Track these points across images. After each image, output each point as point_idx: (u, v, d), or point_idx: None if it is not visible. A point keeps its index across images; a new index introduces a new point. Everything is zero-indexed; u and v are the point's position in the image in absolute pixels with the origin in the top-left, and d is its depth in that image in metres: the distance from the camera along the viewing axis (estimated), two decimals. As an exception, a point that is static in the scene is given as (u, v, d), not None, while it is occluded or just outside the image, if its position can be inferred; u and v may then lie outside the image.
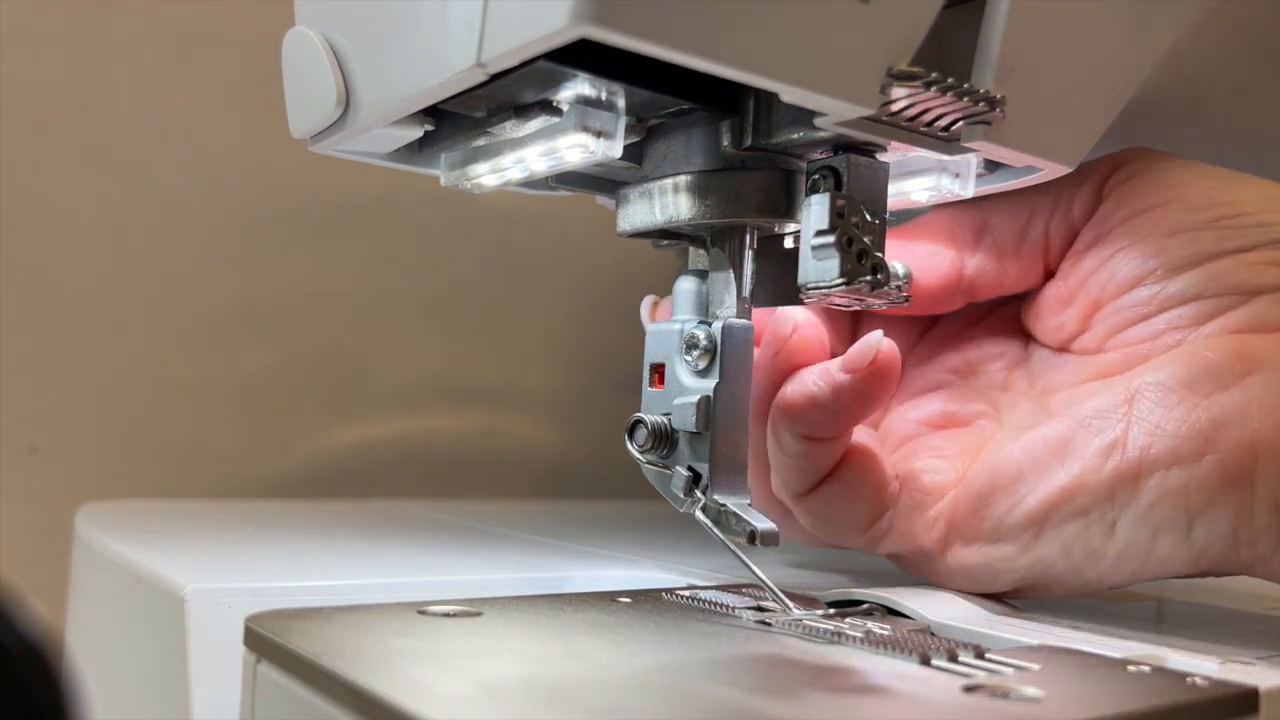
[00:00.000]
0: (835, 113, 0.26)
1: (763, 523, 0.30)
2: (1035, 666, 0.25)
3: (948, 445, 0.34)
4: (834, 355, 0.33)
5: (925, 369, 0.38)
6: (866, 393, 0.31)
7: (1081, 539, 0.30)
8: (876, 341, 0.31)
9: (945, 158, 0.30)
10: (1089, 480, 0.30)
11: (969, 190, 0.32)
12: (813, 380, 0.32)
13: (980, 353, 0.37)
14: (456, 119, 0.30)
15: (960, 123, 0.28)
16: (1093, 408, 0.31)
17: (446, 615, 0.27)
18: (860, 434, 0.34)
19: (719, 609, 0.30)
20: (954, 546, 0.33)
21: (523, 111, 0.28)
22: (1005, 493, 0.31)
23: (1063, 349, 0.35)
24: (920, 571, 0.34)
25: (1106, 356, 0.33)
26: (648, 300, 0.36)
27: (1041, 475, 0.31)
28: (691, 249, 0.34)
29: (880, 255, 0.29)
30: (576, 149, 0.29)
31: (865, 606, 0.31)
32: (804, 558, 0.40)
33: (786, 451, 0.33)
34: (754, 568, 0.30)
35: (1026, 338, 0.37)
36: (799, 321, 0.33)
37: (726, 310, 0.31)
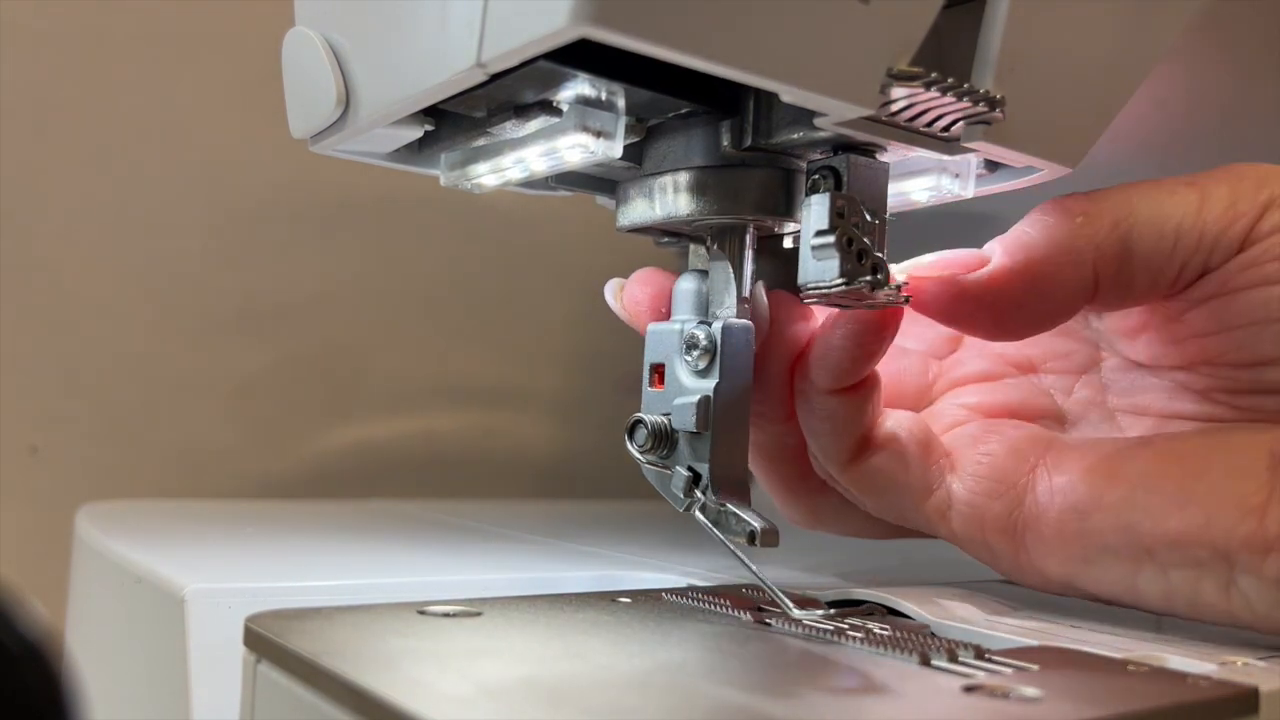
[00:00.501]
0: (835, 113, 0.26)
1: (762, 523, 0.30)
2: (1035, 666, 0.24)
3: (1016, 432, 0.32)
4: None
5: (979, 358, 0.35)
6: (871, 318, 0.30)
7: (1189, 589, 0.29)
8: None
9: (945, 158, 0.30)
10: (1215, 535, 0.28)
11: (969, 191, 0.32)
12: (820, 333, 0.31)
13: (1041, 350, 0.34)
14: (456, 119, 0.30)
15: (960, 123, 0.28)
16: (1227, 462, 0.29)
17: (446, 615, 0.27)
18: (900, 415, 0.32)
19: (719, 609, 0.30)
20: (1031, 552, 0.31)
21: (523, 111, 0.28)
22: (1106, 514, 0.29)
23: (1154, 367, 0.32)
24: (985, 562, 0.32)
25: (1217, 409, 0.31)
26: (612, 284, 0.35)
27: (1154, 509, 0.29)
28: (692, 248, 0.34)
29: (881, 255, 0.29)
30: (576, 149, 0.29)
31: (865, 606, 0.31)
32: (804, 558, 0.40)
33: (817, 414, 0.31)
34: (754, 568, 0.30)
35: (1093, 341, 0.34)
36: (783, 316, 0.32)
37: (726, 310, 0.31)
